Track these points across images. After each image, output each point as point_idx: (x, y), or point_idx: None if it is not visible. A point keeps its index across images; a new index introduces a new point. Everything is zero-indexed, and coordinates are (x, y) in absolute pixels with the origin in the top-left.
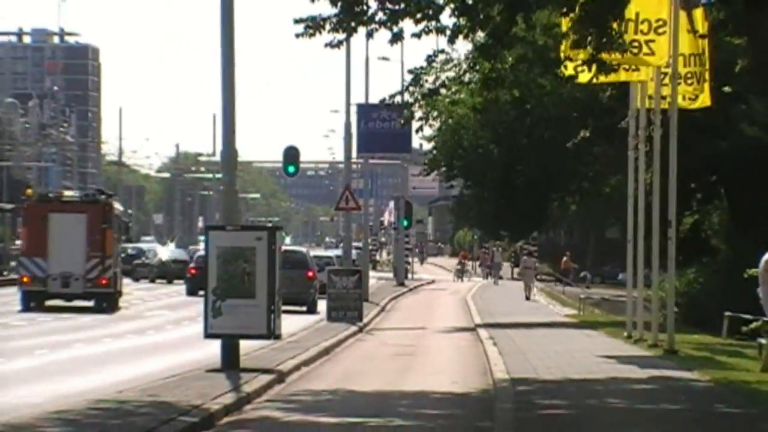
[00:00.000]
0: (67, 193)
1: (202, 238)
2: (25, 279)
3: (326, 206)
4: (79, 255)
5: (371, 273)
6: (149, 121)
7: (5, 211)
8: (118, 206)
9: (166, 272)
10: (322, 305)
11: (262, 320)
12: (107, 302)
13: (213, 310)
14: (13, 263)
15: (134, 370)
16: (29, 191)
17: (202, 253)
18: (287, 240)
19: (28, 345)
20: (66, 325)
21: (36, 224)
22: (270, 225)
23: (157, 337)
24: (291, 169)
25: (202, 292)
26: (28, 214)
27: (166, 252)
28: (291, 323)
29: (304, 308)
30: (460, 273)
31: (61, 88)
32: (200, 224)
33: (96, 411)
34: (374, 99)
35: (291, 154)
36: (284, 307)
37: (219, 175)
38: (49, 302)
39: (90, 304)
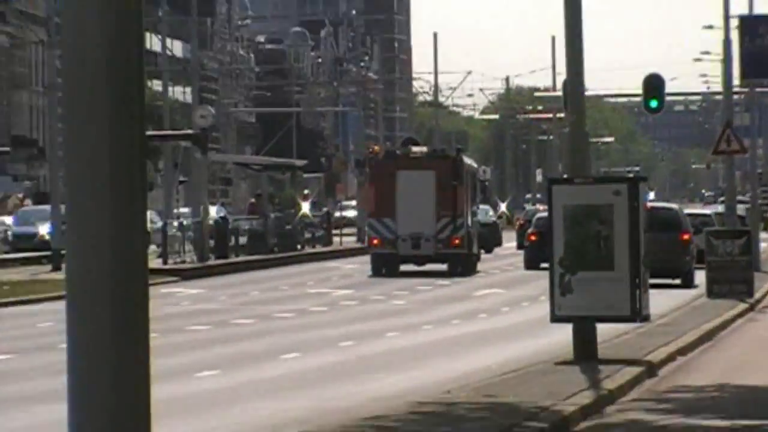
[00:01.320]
0: (415, 148)
1: (539, 196)
2: (375, 241)
3: (700, 150)
4: (428, 214)
5: (762, 235)
6: (471, 51)
7: (296, 169)
8: (469, 162)
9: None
10: (699, 276)
11: (624, 297)
12: (461, 265)
13: (561, 287)
14: (308, 234)
15: (464, 364)
16: (376, 148)
17: (543, 214)
18: (651, 195)
19: (332, 335)
20: (378, 310)
21: (384, 183)
22: (631, 175)
23: (491, 323)
24: (653, 103)
25: (544, 264)
26: (375, 172)
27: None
28: (661, 300)
29: (677, 281)
30: None
31: (359, 11)
32: (538, 178)
33: (419, 416)
34: (761, 9)
35: (653, 85)
36: (652, 280)
37: (561, 115)
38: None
39: (443, 267)
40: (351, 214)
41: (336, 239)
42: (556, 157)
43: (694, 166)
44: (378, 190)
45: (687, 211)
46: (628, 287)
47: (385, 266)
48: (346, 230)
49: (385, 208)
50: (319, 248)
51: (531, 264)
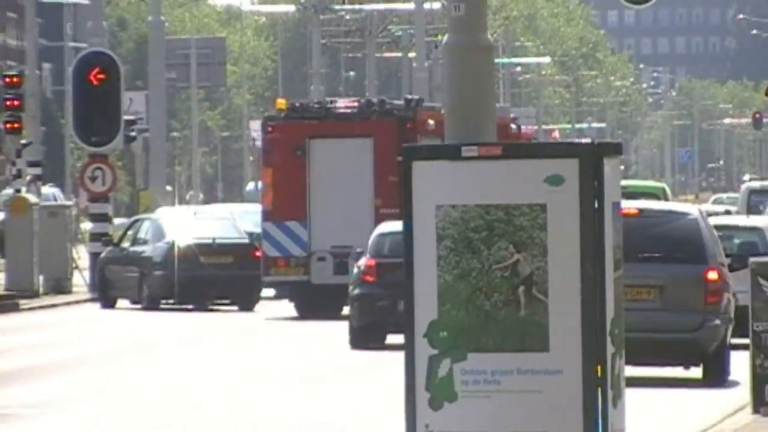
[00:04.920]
0: (342, 101)
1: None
2: (280, 263)
3: (744, 83)
4: (362, 214)
5: None
6: None
7: None
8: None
9: None
10: (739, 361)
11: (570, 411)
12: None
13: (433, 386)
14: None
15: None
16: (280, 102)
17: (390, 227)
18: (633, 184)
19: None
20: None
21: (286, 161)
22: (585, 141)
23: None
24: None
25: (394, 338)
26: (273, 142)
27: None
28: (659, 416)
29: (696, 370)
30: None
31: None
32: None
33: None
34: None
35: None
36: (634, 370)
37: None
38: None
39: None
40: None
41: None
42: (424, 97)
43: (727, 121)
44: (278, 174)
45: (716, 220)
46: (578, 389)
47: (296, 301)
48: None
49: (290, 204)
50: None
51: (364, 336)
